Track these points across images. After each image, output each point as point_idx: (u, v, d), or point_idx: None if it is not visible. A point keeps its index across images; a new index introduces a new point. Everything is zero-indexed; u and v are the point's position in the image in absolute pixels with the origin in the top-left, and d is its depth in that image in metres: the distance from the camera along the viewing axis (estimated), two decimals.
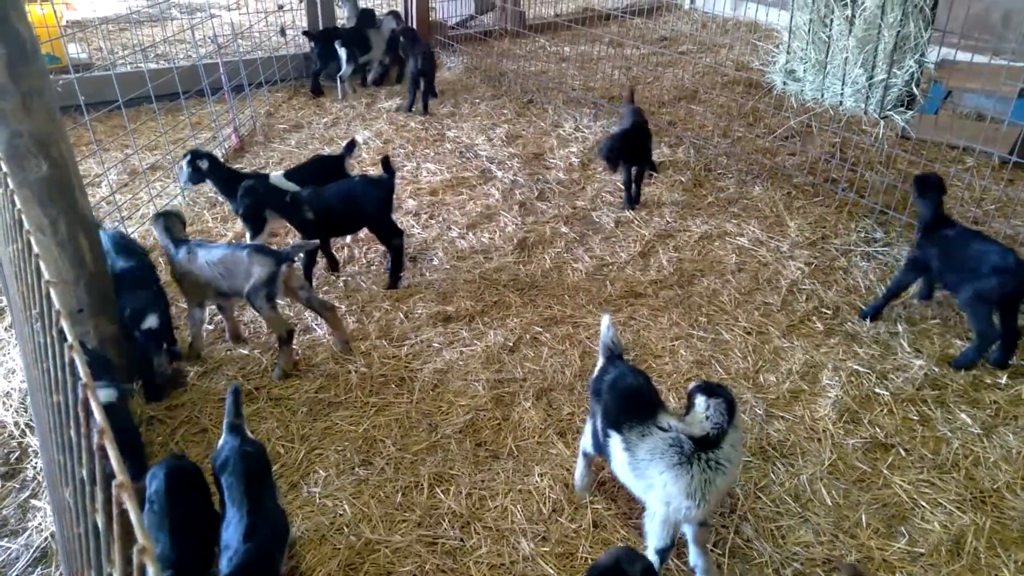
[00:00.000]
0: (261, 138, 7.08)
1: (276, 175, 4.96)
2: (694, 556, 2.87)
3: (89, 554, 1.02)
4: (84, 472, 0.97)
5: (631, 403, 2.89)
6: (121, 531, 0.78)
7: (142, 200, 5.75)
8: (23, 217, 1.16)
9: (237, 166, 6.45)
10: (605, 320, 3.20)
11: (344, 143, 5.41)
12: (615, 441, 2.84)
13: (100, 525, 0.90)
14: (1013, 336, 3.97)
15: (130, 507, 0.74)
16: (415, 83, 7.63)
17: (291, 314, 4.49)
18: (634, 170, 5.67)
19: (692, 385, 2.85)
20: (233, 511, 2.54)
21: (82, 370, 0.91)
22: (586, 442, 3.15)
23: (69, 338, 0.94)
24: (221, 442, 2.80)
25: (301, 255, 4.45)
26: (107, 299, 3.64)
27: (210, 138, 6.81)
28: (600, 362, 3.18)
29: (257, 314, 4.08)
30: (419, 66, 7.49)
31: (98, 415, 0.83)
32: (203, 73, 6.50)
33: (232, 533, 2.49)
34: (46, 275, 1.04)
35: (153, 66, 8.02)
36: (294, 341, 4.11)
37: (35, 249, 1.12)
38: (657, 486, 2.68)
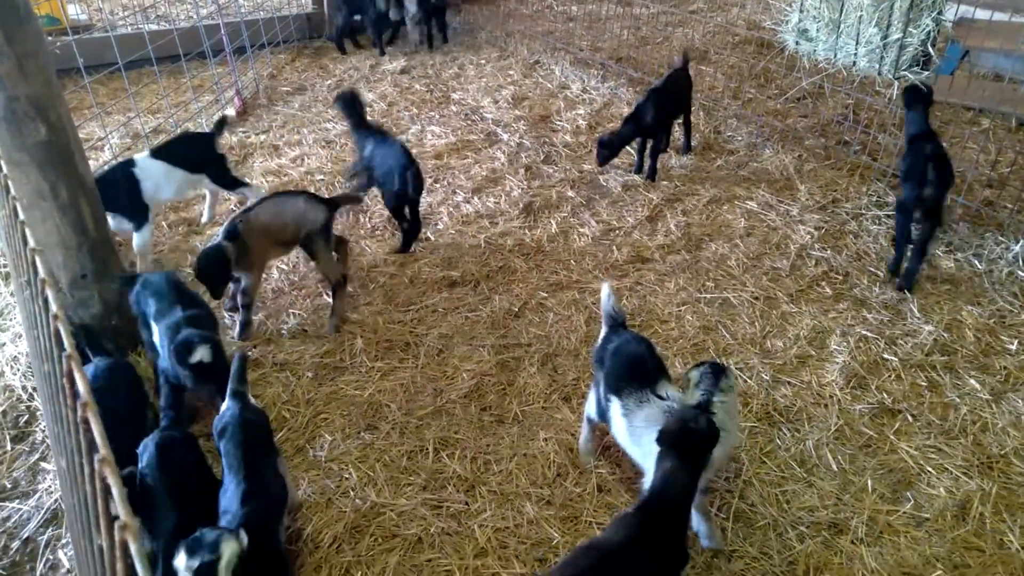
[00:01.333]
0: (264, 101, 7.00)
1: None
2: (696, 521, 2.87)
3: (82, 524, 1.01)
4: (72, 443, 0.95)
5: (631, 370, 2.90)
6: (105, 505, 0.77)
7: None
8: (8, 183, 1.13)
9: (240, 130, 6.39)
10: (605, 289, 3.19)
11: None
12: (615, 406, 2.86)
13: (87, 496, 0.89)
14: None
15: (112, 482, 0.72)
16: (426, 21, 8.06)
17: (295, 279, 4.47)
18: (650, 142, 5.49)
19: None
20: (231, 477, 2.56)
21: (67, 341, 0.89)
22: (590, 408, 3.15)
23: (53, 308, 0.92)
24: (223, 408, 2.80)
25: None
26: (110, 264, 3.62)
27: (212, 101, 6.73)
28: (603, 330, 3.17)
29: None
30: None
31: (82, 387, 0.81)
32: (204, 34, 6.40)
33: (230, 499, 2.50)
34: (31, 242, 1.01)
35: (153, 27, 7.90)
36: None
37: (20, 215, 1.09)
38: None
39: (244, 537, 2.24)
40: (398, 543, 2.91)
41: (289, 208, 3.97)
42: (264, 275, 4.15)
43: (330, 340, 3.98)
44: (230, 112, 5.08)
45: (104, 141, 5.76)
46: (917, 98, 4.35)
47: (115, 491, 0.70)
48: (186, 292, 3.40)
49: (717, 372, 2.75)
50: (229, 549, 2.17)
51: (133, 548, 0.65)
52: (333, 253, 4.30)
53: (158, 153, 4.53)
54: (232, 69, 6.76)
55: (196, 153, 4.66)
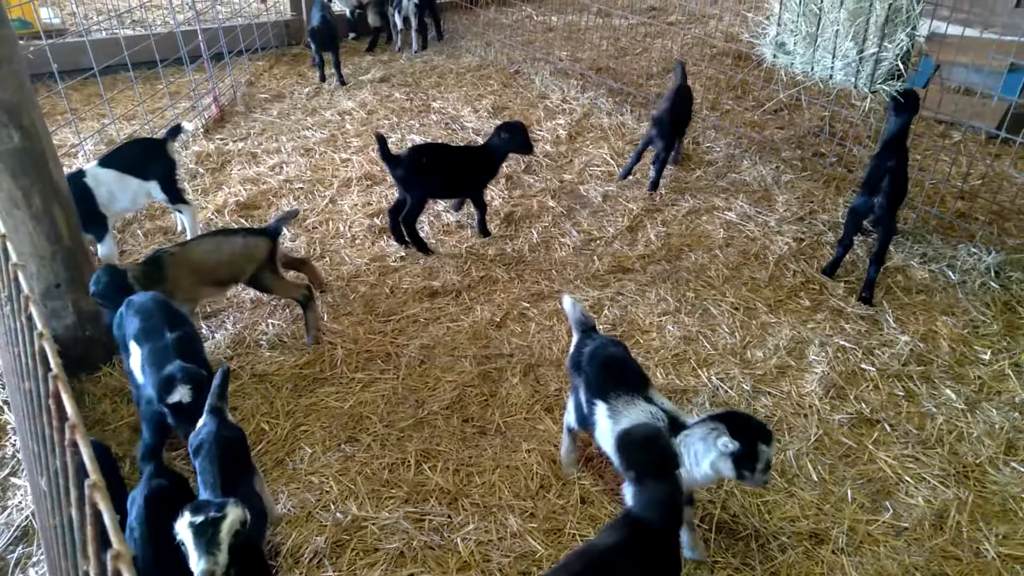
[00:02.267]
0: (242, 108, 6.93)
1: (91, 167, 4.33)
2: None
3: (64, 546, 0.98)
4: (57, 464, 0.92)
5: (616, 373, 2.91)
6: (95, 532, 0.74)
7: None
8: None
9: (218, 137, 6.33)
10: (567, 301, 3.22)
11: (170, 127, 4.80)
12: (600, 409, 2.86)
13: (74, 520, 0.86)
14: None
15: (103, 508, 0.70)
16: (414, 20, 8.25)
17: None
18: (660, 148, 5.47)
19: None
20: (207, 496, 2.49)
21: (53, 361, 0.87)
22: (570, 418, 3.14)
23: (39, 326, 0.89)
24: (199, 424, 2.73)
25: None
26: (84, 274, 3.55)
27: (189, 108, 6.65)
28: (575, 337, 3.17)
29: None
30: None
31: (70, 409, 0.78)
32: (182, 40, 6.33)
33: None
34: (13, 257, 0.98)
35: (129, 32, 7.80)
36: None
37: (1, 229, 1.05)
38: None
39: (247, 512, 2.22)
40: (380, 557, 2.88)
41: (227, 248, 3.81)
42: (240, 285, 4.09)
43: (309, 351, 3.94)
44: (187, 125, 4.89)
45: (78, 148, 5.66)
46: (908, 105, 4.40)
47: (107, 518, 0.67)
48: (173, 312, 3.22)
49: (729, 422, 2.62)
50: (234, 513, 2.17)
51: None
52: (298, 273, 4.27)
53: (106, 161, 4.39)
54: (209, 75, 6.69)
55: (146, 159, 4.48)
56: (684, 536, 2.87)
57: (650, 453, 2.42)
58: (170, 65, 6.53)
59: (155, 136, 5.00)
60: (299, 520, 3.02)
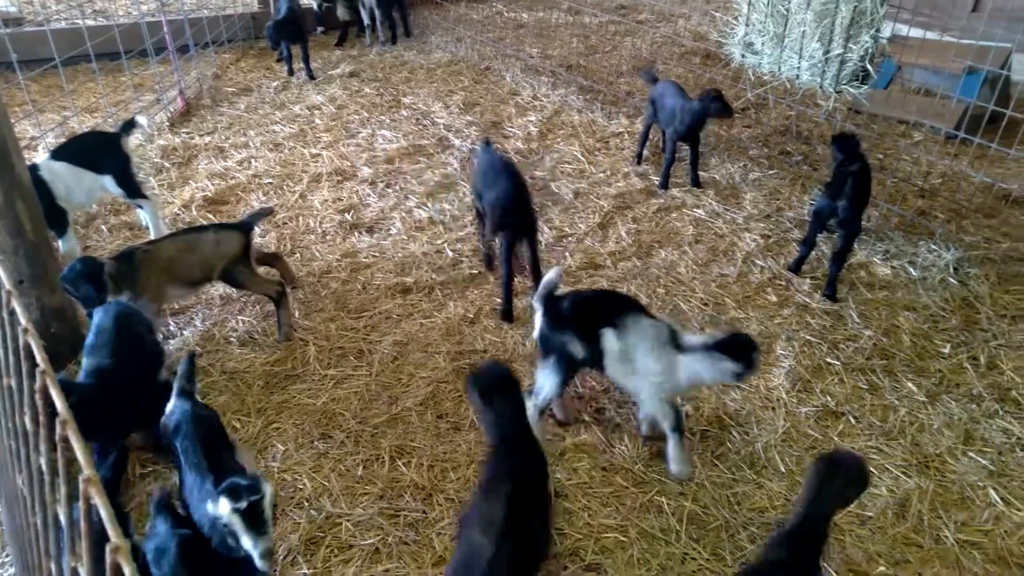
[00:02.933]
0: (208, 101, 6.82)
1: (44, 160, 4.27)
2: (669, 445, 3.24)
3: (48, 546, 0.97)
4: (43, 462, 0.91)
5: (614, 304, 3.26)
6: (88, 527, 0.74)
7: None
8: None
9: (184, 131, 6.22)
10: (537, 312, 3.30)
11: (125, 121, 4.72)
12: (608, 336, 3.12)
13: (62, 518, 0.85)
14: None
15: (99, 503, 0.69)
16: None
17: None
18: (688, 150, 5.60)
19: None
20: (193, 475, 2.48)
21: (39, 356, 0.86)
22: (549, 390, 3.23)
23: (23, 321, 0.88)
24: (170, 407, 2.71)
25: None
26: (48, 269, 3.48)
27: (154, 101, 6.52)
28: (539, 311, 3.27)
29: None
30: None
31: (60, 404, 0.78)
32: (146, 31, 6.20)
33: (198, 496, 2.41)
34: None
35: (91, 23, 7.62)
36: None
37: None
38: (648, 371, 3.09)
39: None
40: (355, 554, 2.87)
41: (200, 245, 3.74)
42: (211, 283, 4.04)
43: (280, 348, 3.91)
44: (142, 119, 4.76)
45: (38, 140, 5.52)
46: (848, 147, 4.34)
47: (103, 512, 0.67)
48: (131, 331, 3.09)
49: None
50: (268, 488, 2.22)
51: (127, 570, 0.62)
52: (269, 269, 4.22)
53: (58, 154, 4.29)
54: (175, 68, 6.57)
55: (98, 153, 4.38)
56: (673, 449, 3.18)
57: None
58: (134, 57, 6.39)
59: (110, 130, 4.87)
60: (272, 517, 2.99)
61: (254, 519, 2.16)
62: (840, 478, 2.31)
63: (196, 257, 3.73)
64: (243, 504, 2.15)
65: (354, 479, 3.19)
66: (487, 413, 2.60)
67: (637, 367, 3.13)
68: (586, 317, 3.18)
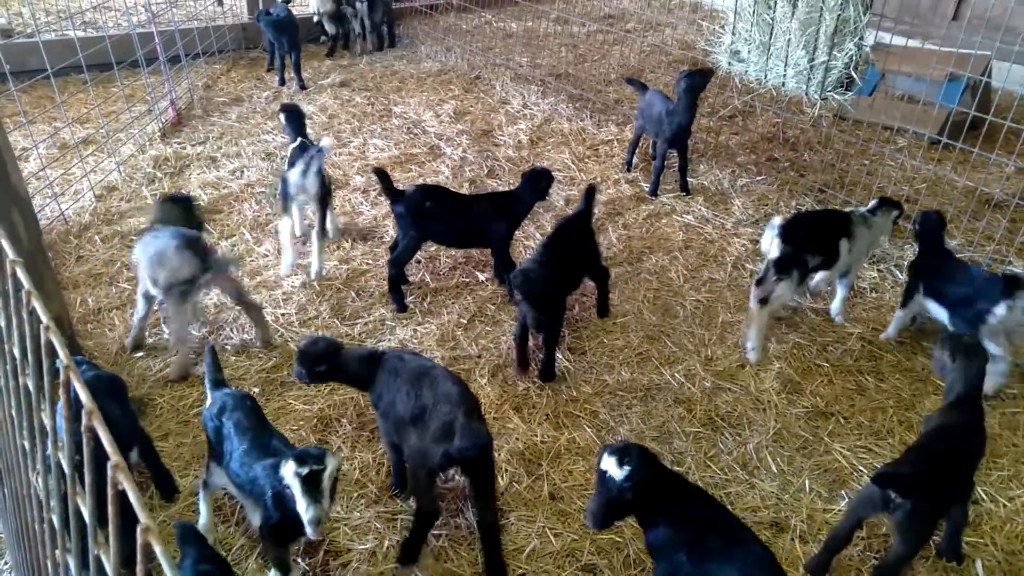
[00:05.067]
0: (199, 111, 6.85)
1: None
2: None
3: (65, 542, 1.00)
4: (63, 456, 0.94)
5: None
6: (116, 511, 0.77)
7: (75, 175, 5.51)
8: None
9: (176, 141, 6.24)
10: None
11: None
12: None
13: (86, 508, 0.88)
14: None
15: (128, 487, 0.72)
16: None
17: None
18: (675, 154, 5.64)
19: None
20: (239, 441, 2.64)
21: (62, 352, 0.89)
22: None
23: (44, 319, 0.91)
24: (209, 400, 2.86)
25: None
26: (45, 279, 3.49)
27: (145, 111, 6.54)
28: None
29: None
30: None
31: (84, 396, 0.81)
32: (137, 42, 6.23)
33: (248, 458, 2.59)
34: (10, 254, 1.00)
35: (82, 34, 7.63)
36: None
37: None
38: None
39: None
40: (353, 557, 2.89)
41: (152, 252, 3.59)
42: (206, 290, 4.05)
43: (276, 355, 3.93)
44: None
45: (30, 151, 5.53)
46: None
47: (132, 496, 0.70)
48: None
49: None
50: (332, 462, 2.37)
51: (158, 550, 0.66)
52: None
53: None
54: (166, 78, 6.59)
55: None
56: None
57: None
58: (125, 68, 6.40)
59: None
60: None
61: (313, 487, 2.31)
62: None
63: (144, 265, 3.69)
64: (305, 470, 2.30)
65: (351, 483, 3.21)
66: None
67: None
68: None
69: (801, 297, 4.49)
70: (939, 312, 3.93)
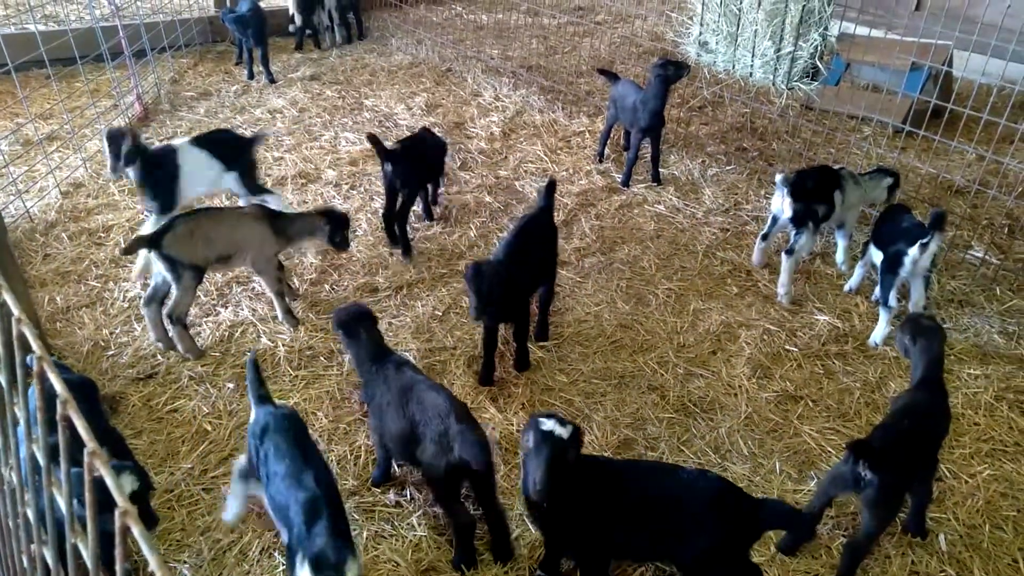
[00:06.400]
0: (167, 106, 6.75)
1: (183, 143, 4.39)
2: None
3: (40, 534, 1.00)
4: (36, 448, 0.95)
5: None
6: (93, 498, 0.78)
7: (39, 172, 5.41)
8: None
9: (144, 136, 6.15)
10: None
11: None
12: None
13: (61, 498, 0.89)
14: None
15: (105, 473, 0.74)
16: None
17: (213, 289, 4.36)
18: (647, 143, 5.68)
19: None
20: (280, 464, 2.55)
21: (35, 344, 0.89)
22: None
23: (15, 311, 0.91)
24: (253, 417, 2.78)
25: None
26: (10, 277, 3.44)
27: (111, 106, 6.44)
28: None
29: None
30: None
31: (58, 386, 0.82)
32: (101, 36, 6.12)
33: (290, 484, 2.48)
34: None
35: (43, 28, 7.47)
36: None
37: None
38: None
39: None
40: None
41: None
42: None
43: (251, 349, 3.90)
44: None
45: None
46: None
47: (109, 481, 0.71)
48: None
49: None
50: (354, 568, 2.23)
51: (136, 531, 0.67)
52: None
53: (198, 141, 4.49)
54: (132, 73, 6.49)
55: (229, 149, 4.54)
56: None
57: None
58: (89, 62, 6.29)
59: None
60: (247, 517, 3.01)
61: None
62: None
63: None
64: None
65: None
66: None
67: None
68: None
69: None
70: (877, 256, 4.23)
